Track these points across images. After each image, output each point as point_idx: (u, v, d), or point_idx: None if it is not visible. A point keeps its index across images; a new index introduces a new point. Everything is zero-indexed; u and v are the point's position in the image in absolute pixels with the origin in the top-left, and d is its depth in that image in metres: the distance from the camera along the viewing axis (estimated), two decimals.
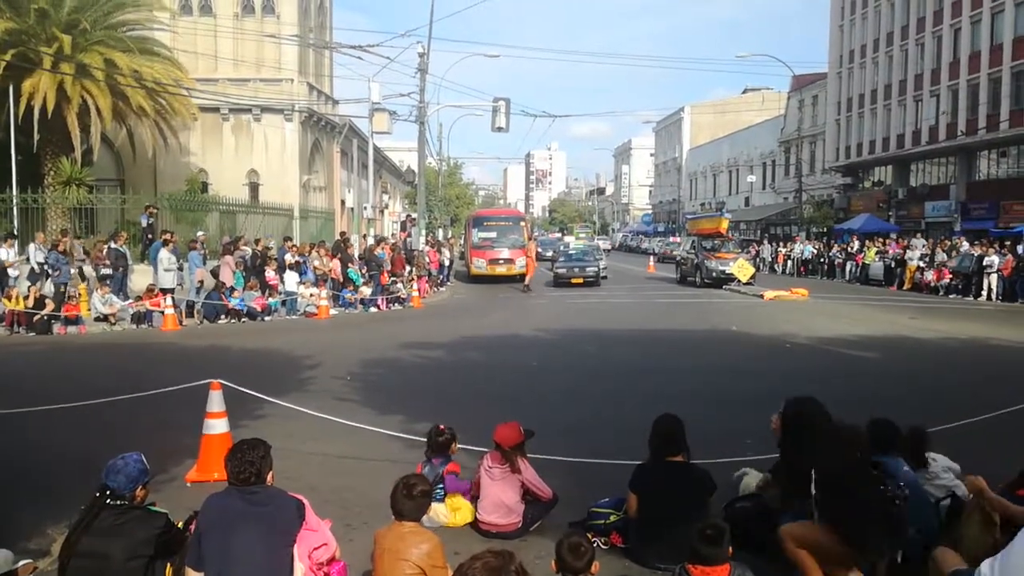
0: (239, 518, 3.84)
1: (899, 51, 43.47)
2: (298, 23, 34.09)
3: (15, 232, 20.03)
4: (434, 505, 5.51)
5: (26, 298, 16.60)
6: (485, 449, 5.88)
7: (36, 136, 23.08)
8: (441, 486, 5.71)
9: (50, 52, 22.87)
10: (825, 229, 46.40)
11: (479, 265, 32.12)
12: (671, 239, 69.74)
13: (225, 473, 4.04)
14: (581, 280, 29.69)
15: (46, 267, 17.85)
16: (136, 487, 4.04)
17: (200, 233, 21.53)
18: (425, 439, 6.08)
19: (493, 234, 32.70)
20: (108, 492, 3.97)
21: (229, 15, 33.31)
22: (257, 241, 22.49)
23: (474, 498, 5.69)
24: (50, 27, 23.84)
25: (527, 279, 28.22)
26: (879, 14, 45.45)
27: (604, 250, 48.42)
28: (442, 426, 6.04)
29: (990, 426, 7.35)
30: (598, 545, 4.99)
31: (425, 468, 5.76)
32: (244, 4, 33.99)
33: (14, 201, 22.08)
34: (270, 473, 4.06)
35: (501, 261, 31.53)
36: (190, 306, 19.04)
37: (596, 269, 30.70)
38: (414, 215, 36.37)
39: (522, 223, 34.66)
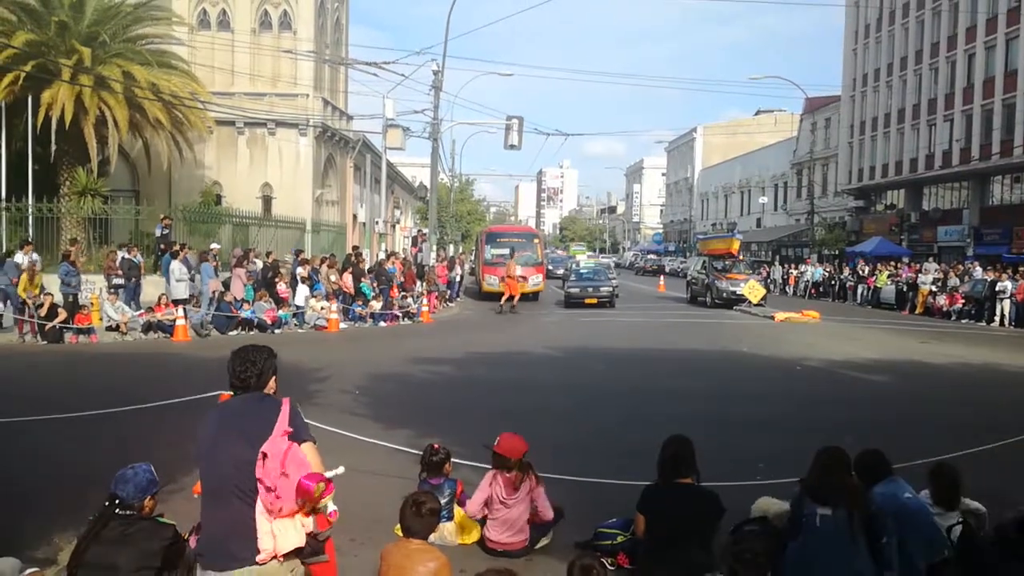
0: (225, 421, 3.69)
1: (913, 75, 43.49)
2: (314, 39, 34.42)
3: (30, 239, 20.22)
4: (443, 524, 5.48)
5: (39, 307, 16.70)
6: (489, 466, 5.85)
7: (53, 146, 23.32)
8: (448, 507, 5.66)
9: (69, 64, 23.13)
10: (837, 252, 46.26)
11: (491, 282, 31.25)
12: (648, 256, 70.49)
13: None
14: (595, 300, 28.79)
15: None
16: (145, 497, 4.04)
17: (214, 245, 21.66)
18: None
19: (506, 251, 31.93)
20: (117, 502, 3.97)
21: (246, 30, 33.69)
22: (268, 254, 22.60)
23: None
24: (70, 39, 24.14)
25: (505, 299, 26.64)
26: (893, 38, 45.52)
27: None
28: (436, 445, 5.98)
29: (1003, 453, 7.28)
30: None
31: (423, 488, 5.71)
32: (261, 20, 34.38)
33: (30, 210, 22.29)
34: (273, 378, 3.88)
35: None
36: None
37: (610, 289, 29.76)
38: (425, 230, 36.47)
39: (536, 240, 33.99)
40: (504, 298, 26.68)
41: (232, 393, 3.85)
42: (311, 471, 3.66)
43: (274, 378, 3.87)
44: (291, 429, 3.70)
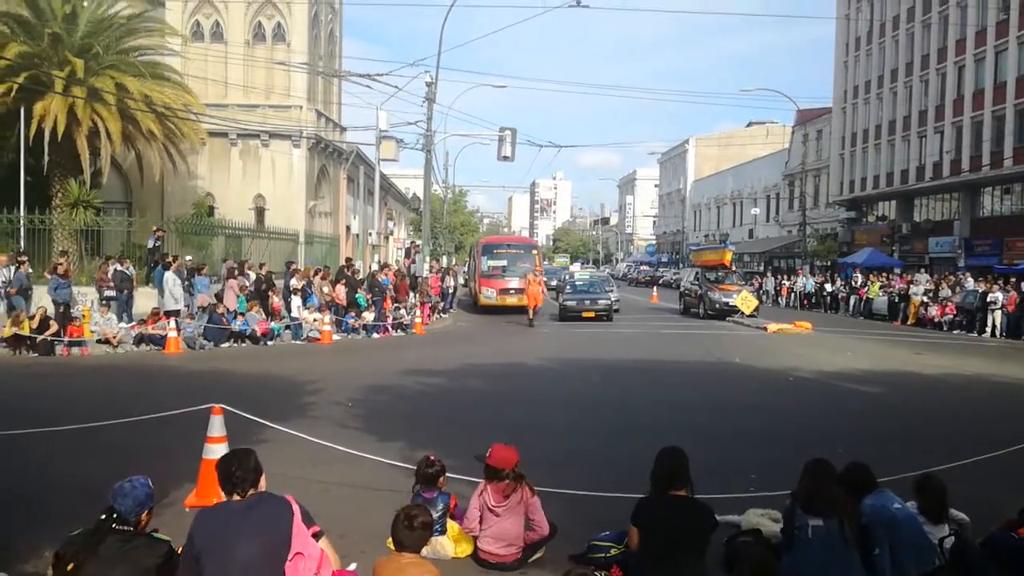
0: (235, 524, 3.86)
1: (903, 87, 43.81)
2: (308, 51, 34.52)
3: (22, 251, 20.16)
4: (437, 538, 5.46)
5: (31, 318, 16.63)
6: (483, 479, 5.83)
7: (46, 158, 23.28)
8: (441, 521, 5.64)
9: (62, 76, 23.13)
10: (829, 263, 46.46)
11: (489, 295, 30.47)
12: (641, 267, 70.81)
13: (220, 486, 4.11)
14: (592, 314, 27.78)
15: (6, 288, 17.94)
16: (142, 511, 4.03)
17: (187, 258, 21.47)
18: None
19: (504, 262, 31.18)
20: (114, 515, 3.94)
21: (240, 42, 33.77)
22: (261, 265, 22.55)
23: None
24: (63, 51, 24.14)
25: (530, 312, 26.47)
26: (883, 51, 45.87)
27: None
28: (432, 457, 5.95)
29: (994, 464, 7.31)
30: None
31: (416, 501, 5.69)
32: (255, 32, 34.47)
33: (22, 222, 22.22)
34: (263, 477, 4.17)
35: (512, 291, 29.77)
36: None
37: (608, 302, 28.76)
38: (418, 242, 36.43)
39: (534, 251, 33.23)
40: (531, 311, 26.34)
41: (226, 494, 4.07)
42: (334, 569, 4.10)
43: (263, 475, 4.17)
44: (318, 527, 4.11)
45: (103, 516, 3.94)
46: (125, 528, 3.93)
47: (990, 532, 5.38)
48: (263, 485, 4.16)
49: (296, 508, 4.02)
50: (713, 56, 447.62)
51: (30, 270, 18.44)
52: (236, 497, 4.00)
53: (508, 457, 5.52)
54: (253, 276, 21.68)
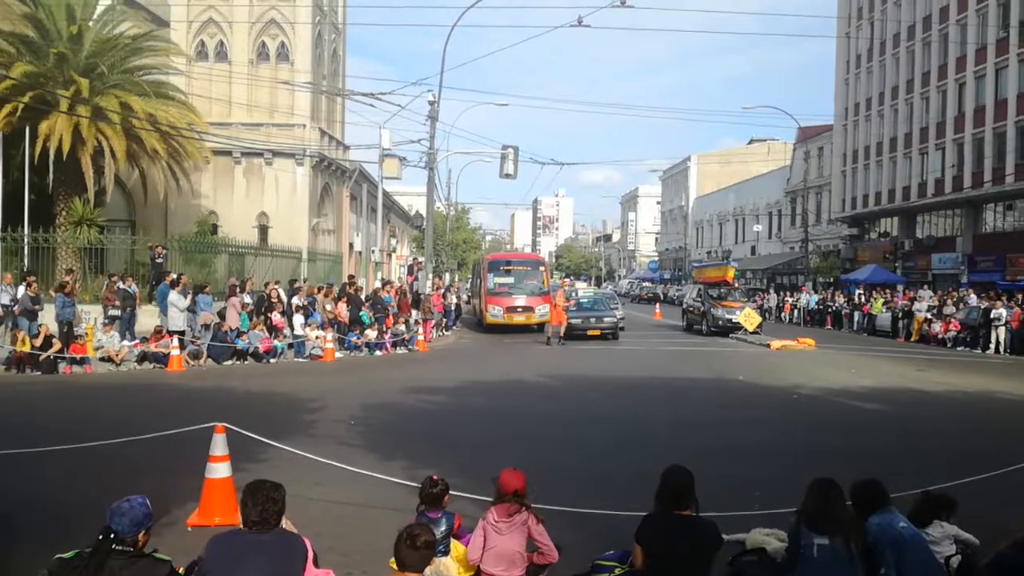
0: (248, 555, 3.86)
1: (904, 104, 43.95)
2: (311, 70, 34.75)
3: (27, 270, 20.21)
4: (440, 559, 5.42)
5: (34, 337, 16.64)
6: (486, 498, 5.80)
7: (50, 177, 23.42)
8: (445, 541, 5.60)
9: (67, 95, 23.29)
10: (832, 279, 46.44)
11: (495, 313, 29.67)
12: (644, 284, 70.98)
13: (242, 513, 4.08)
14: (598, 332, 27.37)
15: (12, 307, 17.92)
16: (140, 531, 4.00)
17: (179, 275, 21.43)
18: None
19: (511, 279, 30.53)
20: (112, 535, 3.92)
21: (244, 62, 34.01)
22: (266, 284, 22.55)
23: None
24: (68, 71, 24.32)
25: (554, 330, 25.76)
26: (884, 68, 46.07)
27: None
28: (435, 477, 5.92)
29: (1000, 482, 7.26)
30: None
31: (420, 521, 5.65)
32: (259, 51, 34.72)
33: (26, 240, 22.30)
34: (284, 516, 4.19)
35: (519, 309, 29.33)
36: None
37: (614, 320, 28.29)
38: (421, 259, 36.47)
39: (541, 268, 32.61)
40: (551, 329, 25.78)
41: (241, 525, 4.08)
42: None
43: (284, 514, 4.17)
44: (331, 572, 4.25)
45: (101, 537, 3.92)
46: (125, 548, 3.90)
47: (997, 551, 5.34)
48: (284, 523, 4.16)
49: (311, 549, 4.05)
50: (714, 75, 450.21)
51: (39, 292, 18.40)
52: (253, 529, 4.00)
53: (511, 481, 5.50)
54: (256, 296, 21.65)
